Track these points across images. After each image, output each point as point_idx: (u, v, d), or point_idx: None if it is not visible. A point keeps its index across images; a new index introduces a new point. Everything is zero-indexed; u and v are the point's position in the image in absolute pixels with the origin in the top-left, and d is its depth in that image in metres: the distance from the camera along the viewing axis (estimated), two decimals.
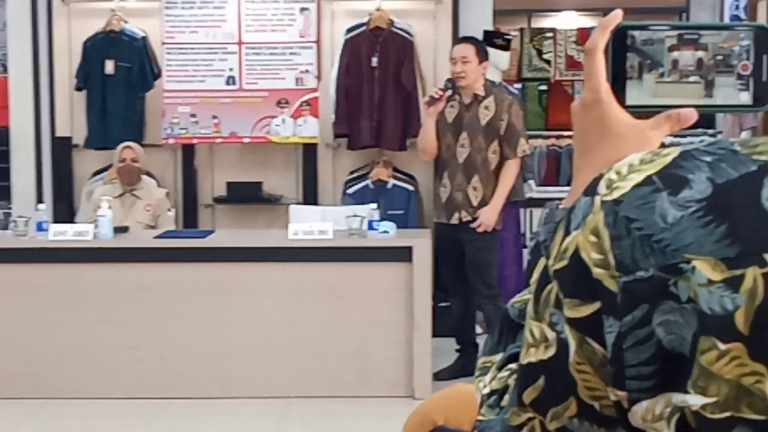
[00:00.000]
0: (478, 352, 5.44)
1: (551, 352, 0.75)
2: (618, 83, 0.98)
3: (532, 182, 6.62)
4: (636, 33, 0.98)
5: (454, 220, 5.23)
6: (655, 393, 0.70)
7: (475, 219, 5.17)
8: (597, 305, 0.72)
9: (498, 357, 0.93)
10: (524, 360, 0.78)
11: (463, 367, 5.37)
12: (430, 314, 5.05)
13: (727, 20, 7.37)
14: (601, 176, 0.76)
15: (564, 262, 0.75)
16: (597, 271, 0.72)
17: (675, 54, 0.97)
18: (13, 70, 6.68)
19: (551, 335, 0.75)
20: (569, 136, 8.68)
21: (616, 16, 0.98)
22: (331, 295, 5.04)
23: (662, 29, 0.98)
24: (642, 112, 0.98)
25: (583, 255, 0.73)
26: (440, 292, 5.64)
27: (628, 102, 0.98)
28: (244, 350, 5.05)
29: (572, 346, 0.74)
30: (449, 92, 5.13)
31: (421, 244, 5.06)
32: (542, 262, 0.93)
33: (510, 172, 5.20)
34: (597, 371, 0.73)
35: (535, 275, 0.96)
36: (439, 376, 5.22)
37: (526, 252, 6.68)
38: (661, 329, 0.69)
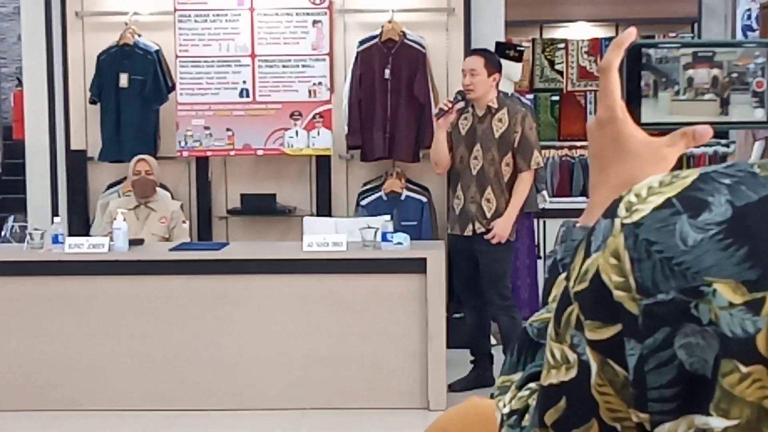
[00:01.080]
0: (492, 363, 5.44)
1: (572, 373, 0.76)
2: (633, 101, 0.98)
3: (545, 193, 6.60)
4: (651, 51, 0.98)
5: (468, 232, 5.23)
6: (677, 415, 0.70)
7: (488, 230, 5.17)
8: (618, 327, 0.72)
9: (517, 376, 0.93)
10: (545, 381, 0.79)
11: (477, 379, 5.37)
12: (444, 325, 5.04)
13: (739, 30, 7.37)
14: (620, 198, 0.76)
15: (584, 284, 0.75)
16: (618, 294, 0.72)
17: (690, 72, 0.98)
18: (28, 83, 6.72)
19: (572, 357, 0.76)
20: (582, 147, 8.68)
21: (630, 35, 0.98)
22: (345, 306, 5.04)
23: (677, 47, 0.98)
24: (657, 130, 0.99)
25: (604, 277, 0.73)
26: (454, 303, 5.64)
27: (644, 119, 0.98)
28: (258, 362, 5.05)
29: (594, 367, 0.74)
30: (459, 104, 5.13)
31: (435, 255, 5.06)
32: (560, 281, 0.93)
33: (523, 184, 5.20)
34: (619, 393, 0.73)
35: (554, 293, 0.97)
36: (454, 388, 5.22)
37: (540, 263, 6.69)
38: (682, 351, 0.70)
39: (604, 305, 0.73)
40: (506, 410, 0.90)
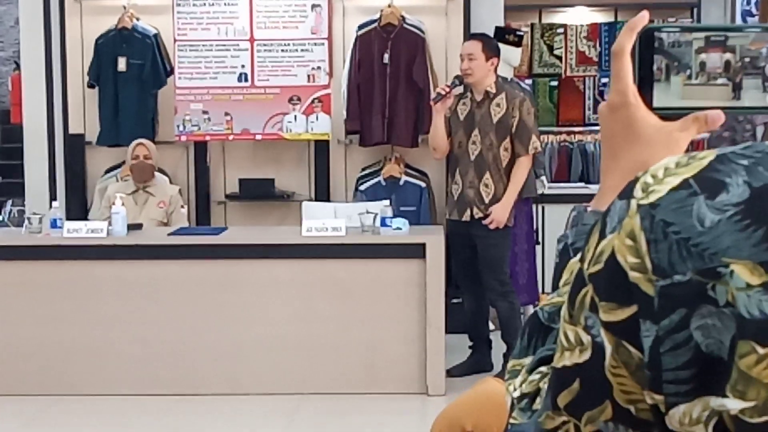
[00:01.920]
0: (490, 348, 5.45)
1: (586, 355, 0.75)
2: (645, 85, 0.98)
3: (543, 178, 6.59)
4: (663, 35, 0.98)
5: (466, 217, 5.23)
6: (692, 397, 0.70)
7: (486, 216, 5.17)
8: (633, 309, 0.72)
9: (528, 360, 0.93)
10: (558, 363, 0.78)
11: (475, 364, 5.38)
12: (443, 311, 5.05)
13: (738, 15, 7.35)
14: (636, 179, 0.76)
15: (599, 266, 0.74)
16: (633, 275, 0.72)
17: (702, 56, 0.97)
18: (25, 67, 6.69)
19: (586, 339, 0.75)
20: (580, 132, 8.67)
21: (643, 18, 0.98)
22: (344, 291, 5.04)
23: (689, 31, 0.98)
24: (669, 114, 0.98)
25: (619, 258, 0.73)
26: (452, 288, 5.64)
27: (656, 104, 0.98)
28: (257, 347, 5.06)
29: (608, 349, 0.74)
30: (457, 89, 5.12)
31: (434, 240, 5.05)
32: (571, 264, 0.93)
33: (521, 169, 5.20)
34: (633, 375, 0.73)
35: (565, 277, 0.96)
36: (452, 373, 5.22)
37: (538, 248, 6.68)
38: (699, 333, 0.69)
39: (619, 286, 0.73)
40: (517, 394, 0.90)
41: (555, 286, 0.98)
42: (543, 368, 0.89)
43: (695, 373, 0.70)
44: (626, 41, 0.97)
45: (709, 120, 0.97)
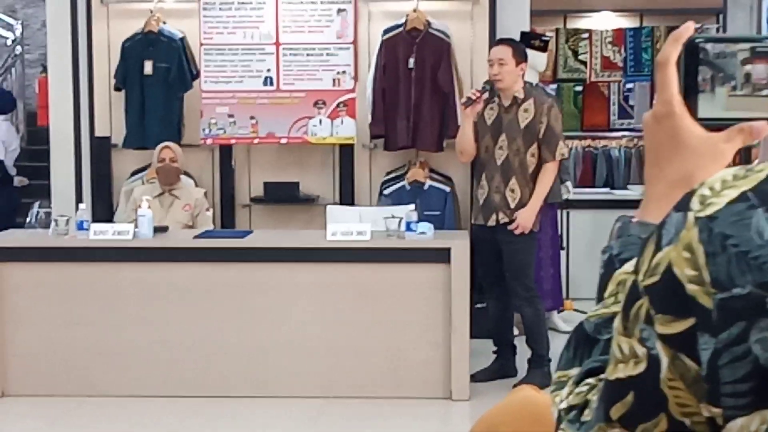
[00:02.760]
0: (515, 354, 5.44)
1: (641, 368, 0.75)
2: (690, 96, 0.97)
3: (569, 184, 6.58)
4: (708, 46, 0.97)
5: (492, 222, 5.22)
6: (751, 410, 0.70)
7: (512, 221, 5.16)
8: (691, 321, 0.72)
9: (574, 371, 0.93)
10: (612, 375, 0.78)
11: (500, 369, 5.37)
12: (467, 316, 5.04)
13: (764, 21, 7.30)
14: (692, 192, 0.76)
15: (655, 278, 0.74)
16: (691, 288, 0.72)
17: (748, 67, 0.97)
18: (52, 70, 6.74)
19: (641, 351, 0.75)
20: (605, 137, 8.65)
21: (688, 29, 0.98)
22: (369, 296, 5.04)
23: (734, 42, 0.98)
24: (714, 125, 0.98)
25: (676, 271, 0.73)
26: (477, 293, 5.63)
27: (701, 115, 0.97)
28: (281, 350, 5.07)
29: (664, 362, 0.73)
30: (486, 94, 5.11)
31: (460, 245, 5.05)
32: (617, 276, 0.92)
33: (548, 174, 5.19)
34: (690, 388, 0.73)
35: (610, 288, 0.96)
36: (477, 378, 5.22)
37: (563, 254, 6.67)
38: (758, 346, 0.69)
39: (676, 299, 0.72)
40: (564, 405, 0.90)
41: (600, 298, 0.98)
42: (590, 380, 0.89)
43: (754, 387, 0.69)
44: (671, 52, 0.97)
45: (754, 131, 0.96)
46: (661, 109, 0.98)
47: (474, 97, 5.09)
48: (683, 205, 0.75)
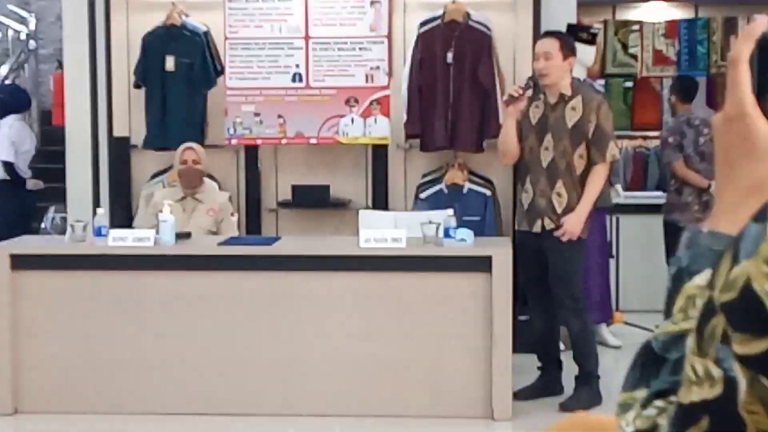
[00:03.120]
0: (561, 370, 5.41)
1: (717, 391, 0.74)
2: (764, 96, 0.96)
3: (618, 187, 6.56)
4: None
5: (537, 228, 5.20)
6: None
7: (559, 227, 5.14)
8: None
9: (641, 393, 0.92)
10: (685, 399, 0.77)
11: (545, 387, 5.34)
12: (510, 329, 5.02)
13: None
14: None
15: (733, 294, 0.74)
16: None
17: None
18: (69, 66, 6.80)
19: (717, 373, 0.74)
20: (657, 137, 8.59)
21: (762, 24, 0.97)
22: (405, 307, 5.04)
23: None
24: None
25: (756, 286, 0.72)
26: (520, 304, 5.61)
27: None
28: (311, 365, 5.07)
29: (742, 384, 0.73)
30: (530, 91, 5.10)
31: (502, 253, 5.04)
32: (686, 290, 0.92)
33: (598, 177, 5.16)
34: None
35: (679, 304, 0.95)
36: (520, 396, 5.20)
37: (612, 262, 6.63)
38: None
39: (756, 317, 0.72)
40: (630, 429, 0.89)
41: (667, 313, 0.97)
42: (659, 402, 0.88)
43: None
44: (744, 48, 0.96)
45: None
46: (732, 110, 0.97)
47: (517, 95, 5.07)
48: (762, 216, 0.74)
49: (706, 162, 6.48)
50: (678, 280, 0.98)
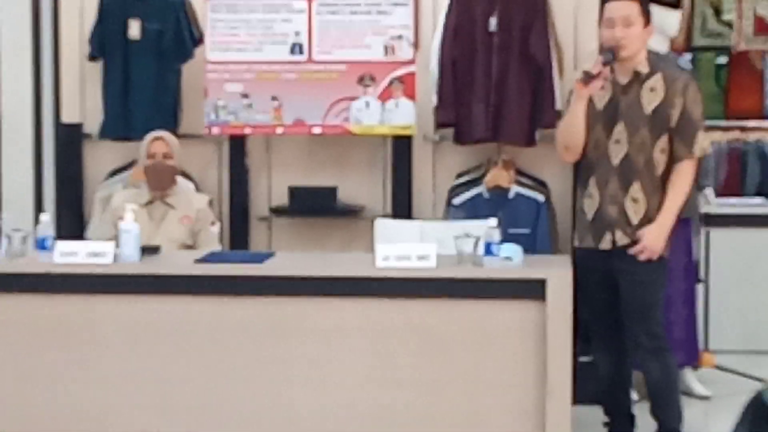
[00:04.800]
0: (633, 427, 5.41)
1: None
2: None
3: (708, 191, 6.53)
4: None
5: (606, 244, 5.18)
6: None
7: (635, 242, 5.11)
8: None
9: None
10: None
11: None
12: (569, 373, 5.00)
13: None
14: None
15: None
16: None
17: None
18: (5, 36, 6.80)
19: None
20: (758, 128, 8.57)
21: None
22: (434, 344, 5.03)
23: None
24: None
25: None
26: (582, 342, 5.60)
27: None
28: (314, 416, 5.07)
29: None
30: (608, 68, 5.07)
31: (559, 275, 5.01)
32: None
33: (684, 177, 5.14)
34: None
35: None
36: None
37: (700, 288, 6.60)
38: None
39: None
40: None
41: None
42: None
43: None
44: None
45: None
46: None
47: (596, 71, 5.03)
48: None
49: None
50: None
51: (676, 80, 5.16)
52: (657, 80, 5.14)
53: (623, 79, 5.17)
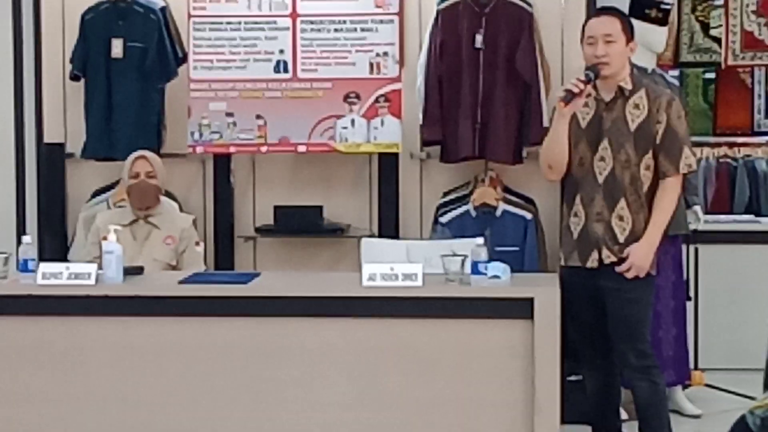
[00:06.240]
0: None
1: None
2: None
3: (698, 208, 6.54)
4: None
5: (592, 262, 5.19)
6: None
7: (622, 260, 5.13)
8: None
9: None
10: None
11: None
12: (557, 392, 5.01)
13: None
14: None
15: None
16: None
17: None
18: None
19: None
20: (747, 144, 8.60)
21: None
22: (421, 363, 5.03)
23: None
24: None
25: None
26: (570, 361, 5.61)
27: None
28: None
29: None
30: (590, 86, 5.10)
31: (546, 294, 5.02)
32: None
33: (669, 194, 5.15)
34: None
35: None
36: None
37: (689, 306, 6.62)
38: None
39: None
40: None
41: None
42: None
43: None
44: None
45: None
46: None
47: (577, 90, 5.06)
48: None
49: None
50: None
51: (660, 96, 5.18)
52: (641, 96, 5.16)
53: (607, 96, 5.19)
